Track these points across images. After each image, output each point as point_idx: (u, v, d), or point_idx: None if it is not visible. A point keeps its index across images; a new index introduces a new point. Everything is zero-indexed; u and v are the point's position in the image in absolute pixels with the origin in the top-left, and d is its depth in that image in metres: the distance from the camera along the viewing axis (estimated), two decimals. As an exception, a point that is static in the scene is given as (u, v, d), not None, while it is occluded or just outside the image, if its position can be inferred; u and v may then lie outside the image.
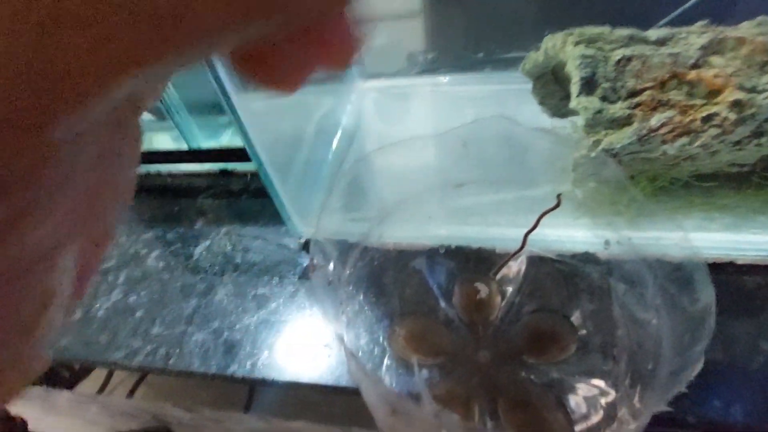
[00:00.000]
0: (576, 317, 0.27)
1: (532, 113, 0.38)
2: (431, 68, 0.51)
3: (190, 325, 0.29)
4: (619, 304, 0.26)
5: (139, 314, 0.31)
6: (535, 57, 0.28)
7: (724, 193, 0.27)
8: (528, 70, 0.29)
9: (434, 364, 0.27)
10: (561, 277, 0.29)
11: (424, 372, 0.27)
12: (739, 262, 0.26)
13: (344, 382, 0.26)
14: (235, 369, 0.27)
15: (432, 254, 0.32)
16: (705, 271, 0.21)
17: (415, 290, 0.30)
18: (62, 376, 0.50)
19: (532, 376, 0.26)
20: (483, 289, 0.31)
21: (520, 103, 0.39)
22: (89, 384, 0.68)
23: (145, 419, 1.10)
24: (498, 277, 0.32)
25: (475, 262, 0.33)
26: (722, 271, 0.26)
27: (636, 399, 0.22)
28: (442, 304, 0.30)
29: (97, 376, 0.69)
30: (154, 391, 0.74)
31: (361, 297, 0.30)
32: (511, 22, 0.50)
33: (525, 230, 0.30)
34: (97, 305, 0.33)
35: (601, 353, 0.25)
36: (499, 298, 0.31)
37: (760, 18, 0.25)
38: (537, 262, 0.31)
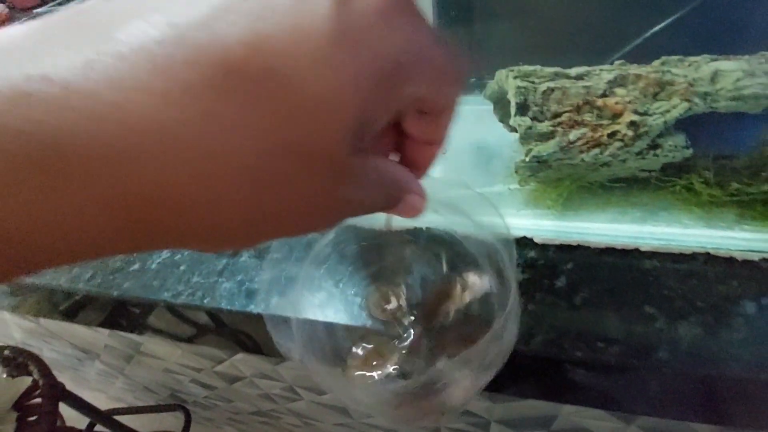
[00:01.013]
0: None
1: (503, 130, 0.46)
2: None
3: (220, 277, 0.38)
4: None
5: (182, 268, 0.40)
6: (492, 86, 0.36)
7: (636, 193, 0.35)
8: (488, 96, 0.37)
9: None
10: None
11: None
12: (643, 249, 0.33)
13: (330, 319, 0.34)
14: (252, 308, 0.35)
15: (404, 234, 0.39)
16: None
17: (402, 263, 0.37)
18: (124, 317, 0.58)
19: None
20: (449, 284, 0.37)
21: (495, 121, 0.47)
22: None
23: (163, 395, 1.20)
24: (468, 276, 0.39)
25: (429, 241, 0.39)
26: (628, 255, 0.34)
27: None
28: (410, 281, 0.37)
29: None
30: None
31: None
32: (498, 53, 0.58)
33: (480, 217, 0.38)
34: (150, 261, 0.42)
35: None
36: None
37: (663, 58, 0.33)
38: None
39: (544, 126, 0.31)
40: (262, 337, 0.44)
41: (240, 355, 0.72)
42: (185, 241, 0.11)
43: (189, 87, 0.09)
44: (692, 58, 0.32)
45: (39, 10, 0.55)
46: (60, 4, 0.74)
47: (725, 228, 0.32)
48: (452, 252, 0.30)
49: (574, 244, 0.35)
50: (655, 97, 0.31)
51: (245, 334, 0.45)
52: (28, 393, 0.80)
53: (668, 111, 0.30)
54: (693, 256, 0.33)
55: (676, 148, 0.31)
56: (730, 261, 0.32)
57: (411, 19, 0.11)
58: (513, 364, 0.34)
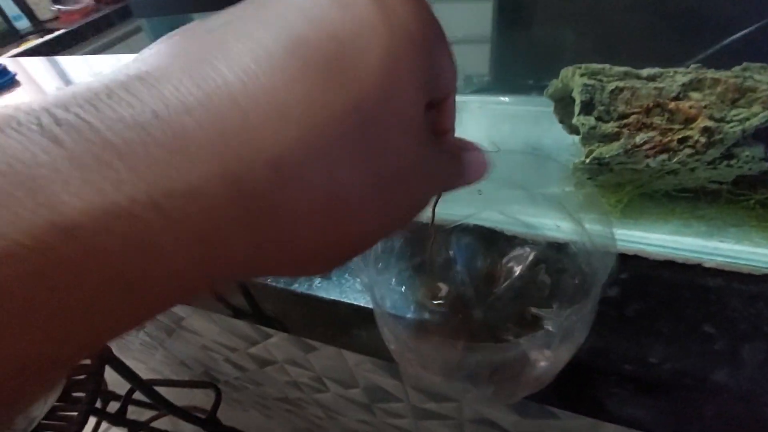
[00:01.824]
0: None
1: (561, 132, 0.45)
2: (483, 89, 0.59)
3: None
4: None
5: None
6: (555, 83, 0.35)
7: (703, 206, 0.33)
8: (550, 95, 0.36)
9: (439, 311, 0.34)
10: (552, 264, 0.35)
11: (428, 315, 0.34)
12: (706, 265, 0.31)
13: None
14: (296, 287, 0.36)
15: (454, 229, 0.39)
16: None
17: (438, 255, 0.38)
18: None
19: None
20: (490, 265, 0.38)
21: (552, 122, 0.46)
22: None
23: (197, 372, 1.25)
24: (507, 258, 0.39)
25: (493, 243, 0.40)
26: (690, 270, 0.32)
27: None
28: (458, 268, 0.37)
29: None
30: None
31: (393, 257, 0.39)
32: (559, 56, 0.57)
33: (534, 219, 0.37)
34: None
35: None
36: (503, 275, 0.38)
37: (744, 64, 0.31)
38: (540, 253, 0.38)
39: (609, 127, 0.30)
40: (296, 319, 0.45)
41: (274, 339, 0.74)
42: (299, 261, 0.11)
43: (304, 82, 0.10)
44: (779, 65, 0.30)
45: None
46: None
47: (805, 250, 0.29)
48: (502, 241, 0.30)
49: (631, 253, 0.33)
50: (733, 103, 0.29)
51: (281, 312, 0.46)
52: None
53: (747, 119, 0.28)
54: (764, 278, 0.30)
55: (753, 159, 0.29)
56: (808, 286, 0.29)
57: (432, 18, 0.12)
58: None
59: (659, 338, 0.29)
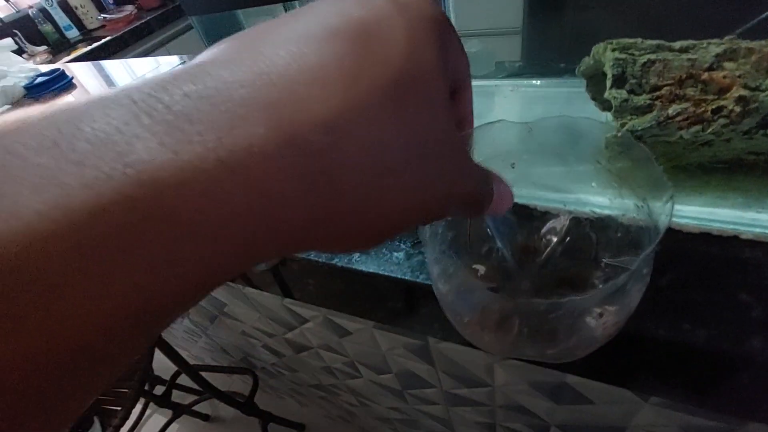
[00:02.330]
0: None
1: (593, 111, 0.45)
2: (516, 73, 0.60)
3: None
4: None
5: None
6: (587, 61, 0.36)
7: (739, 177, 0.32)
8: (582, 72, 0.37)
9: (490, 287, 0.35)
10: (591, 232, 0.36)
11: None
12: (743, 236, 0.31)
13: (409, 277, 0.36)
14: (337, 261, 0.38)
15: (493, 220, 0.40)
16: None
17: (481, 234, 0.39)
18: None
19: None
20: (531, 239, 0.38)
21: (585, 102, 0.46)
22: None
23: (237, 358, 1.31)
24: (545, 229, 0.39)
25: (527, 218, 0.40)
26: (726, 242, 0.32)
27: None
28: (499, 245, 0.38)
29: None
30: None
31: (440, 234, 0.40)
32: (589, 39, 0.57)
33: (568, 195, 0.38)
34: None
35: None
36: (543, 245, 0.39)
37: (782, 33, 0.30)
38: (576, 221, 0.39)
39: (642, 99, 0.31)
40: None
41: (309, 324, 0.77)
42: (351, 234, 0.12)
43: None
44: (821, 32, 0.29)
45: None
46: (178, 6, 0.85)
47: None
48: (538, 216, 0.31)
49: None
50: (770, 72, 0.29)
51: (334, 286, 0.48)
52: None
53: (785, 86, 0.28)
54: (805, 248, 0.30)
55: (792, 128, 0.29)
56: None
57: (442, 13, 0.14)
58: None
59: (693, 306, 0.29)
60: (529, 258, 0.36)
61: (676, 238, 0.33)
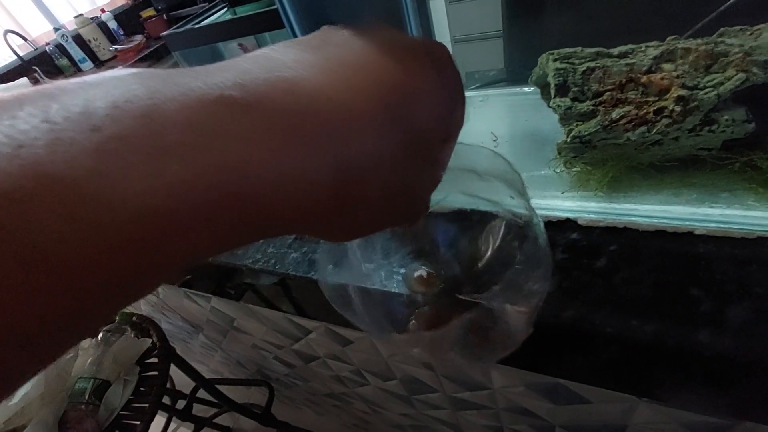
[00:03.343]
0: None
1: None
2: (485, 84, 0.61)
3: (289, 248, 0.44)
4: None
5: (261, 241, 0.47)
6: (537, 71, 0.37)
7: (693, 174, 0.33)
8: (534, 81, 0.38)
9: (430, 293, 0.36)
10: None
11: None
12: (697, 232, 0.32)
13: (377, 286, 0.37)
14: (313, 274, 0.40)
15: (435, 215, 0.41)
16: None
17: (422, 243, 0.40)
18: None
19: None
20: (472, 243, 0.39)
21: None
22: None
23: (252, 371, 1.34)
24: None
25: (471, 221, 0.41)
26: (680, 238, 0.32)
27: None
28: (442, 252, 0.39)
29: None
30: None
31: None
32: (554, 45, 0.58)
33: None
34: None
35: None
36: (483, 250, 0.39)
37: (721, 29, 0.31)
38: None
39: (585, 105, 0.32)
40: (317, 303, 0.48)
41: (313, 335, 0.79)
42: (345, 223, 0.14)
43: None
44: (756, 27, 0.30)
45: (164, 33, 0.68)
46: (187, 22, 0.89)
47: (798, 210, 0.29)
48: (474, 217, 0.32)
49: (621, 226, 0.34)
50: (707, 70, 0.29)
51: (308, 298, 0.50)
52: (148, 353, 0.96)
53: (721, 83, 0.28)
54: (757, 241, 0.30)
55: (734, 122, 0.29)
56: (803, 246, 0.29)
57: (454, 65, 0.17)
58: (542, 341, 0.34)
59: (644, 302, 0.30)
60: (471, 261, 0.37)
61: (632, 236, 0.33)
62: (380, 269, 0.39)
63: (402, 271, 0.39)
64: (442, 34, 1.45)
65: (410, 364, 0.73)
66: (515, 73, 0.69)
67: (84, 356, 0.88)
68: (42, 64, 2.02)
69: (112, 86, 0.10)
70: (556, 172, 0.36)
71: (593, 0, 0.58)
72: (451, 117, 0.16)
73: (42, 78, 1.98)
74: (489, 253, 0.31)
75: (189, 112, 0.10)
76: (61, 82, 0.10)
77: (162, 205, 0.09)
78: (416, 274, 0.38)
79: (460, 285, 0.34)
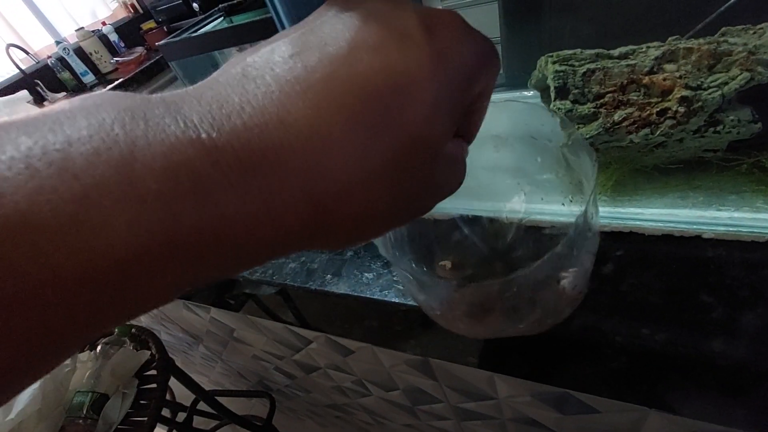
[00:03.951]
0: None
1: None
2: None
3: (287, 259, 0.44)
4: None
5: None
6: (536, 74, 0.36)
7: (700, 176, 0.32)
8: (533, 84, 0.38)
9: (465, 276, 0.36)
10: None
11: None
12: (705, 236, 0.31)
13: (378, 296, 0.37)
14: (311, 285, 0.40)
15: (461, 218, 0.41)
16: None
17: (453, 236, 0.39)
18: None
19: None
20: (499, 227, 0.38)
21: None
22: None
23: (253, 382, 1.32)
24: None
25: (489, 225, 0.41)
26: (688, 242, 0.31)
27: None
28: (474, 236, 0.38)
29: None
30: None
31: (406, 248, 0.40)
32: (555, 48, 0.57)
33: (533, 205, 0.38)
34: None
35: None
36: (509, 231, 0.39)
37: (724, 28, 0.30)
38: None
39: (586, 108, 0.31)
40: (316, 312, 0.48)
41: (314, 345, 0.78)
42: (337, 236, 0.14)
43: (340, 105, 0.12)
44: (759, 26, 0.29)
45: (159, 43, 0.68)
46: (184, 31, 0.89)
47: (810, 212, 0.28)
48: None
49: (626, 230, 0.33)
50: (710, 70, 0.29)
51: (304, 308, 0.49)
52: (147, 365, 0.95)
53: (726, 83, 0.27)
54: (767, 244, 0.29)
55: (740, 123, 0.28)
56: (816, 249, 0.28)
57: (473, 36, 0.15)
58: (548, 350, 0.33)
59: (653, 310, 0.29)
60: (498, 240, 0.36)
61: (639, 241, 0.32)
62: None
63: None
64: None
65: (413, 375, 0.72)
66: (514, 78, 0.68)
67: (82, 369, 0.87)
68: (44, 78, 2.03)
69: (94, 127, 0.10)
70: (559, 177, 0.36)
71: (591, 4, 0.57)
72: (464, 94, 0.14)
73: (44, 91, 1.99)
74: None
75: (164, 160, 0.10)
76: (41, 115, 0.10)
77: (141, 249, 0.10)
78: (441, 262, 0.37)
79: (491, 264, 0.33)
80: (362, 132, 0.12)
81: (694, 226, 0.31)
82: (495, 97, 0.56)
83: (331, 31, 0.13)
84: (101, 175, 0.10)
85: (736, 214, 0.30)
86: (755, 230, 0.29)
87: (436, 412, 0.84)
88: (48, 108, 0.11)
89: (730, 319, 0.27)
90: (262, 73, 0.13)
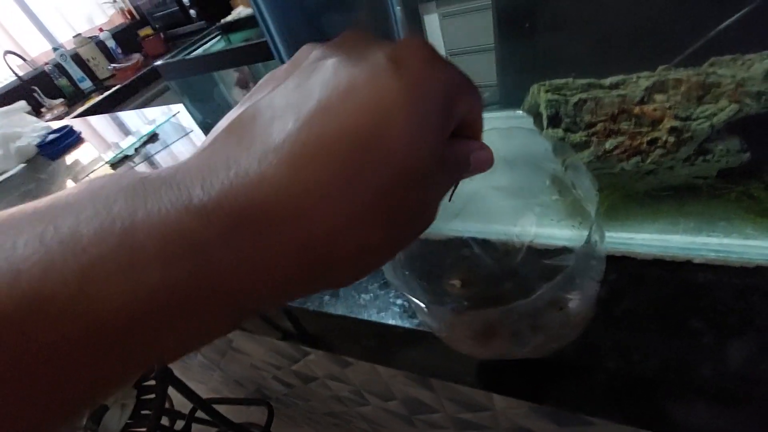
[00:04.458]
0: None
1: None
2: (484, 105, 0.61)
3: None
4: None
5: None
6: (528, 100, 0.37)
7: (690, 202, 0.33)
8: (526, 110, 0.38)
9: (473, 294, 0.36)
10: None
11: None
12: (696, 261, 0.31)
13: (375, 318, 0.37)
14: (309, 306, 0.40)
15: (471, 239, 0.41)
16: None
17: (463, 255, 0.39)
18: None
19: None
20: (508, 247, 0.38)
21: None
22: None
23: (251, 390, 1.32)
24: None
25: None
26: (679, 268, 0.32)
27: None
28: (483, 256, 0.38)
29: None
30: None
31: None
32: (547, 70, 0.58)
33: (527, 228, 0.39)
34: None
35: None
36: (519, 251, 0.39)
37: (712, 59, 0.31)
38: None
39: (578, 136, 0.32)
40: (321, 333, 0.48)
41: (312, 356, 0.78)
42: (334, 276, 0.14)
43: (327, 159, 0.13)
44: (747, 56, 0.30)
45: (157, 63, 0.68)
46: (184, 49, 0.90)
47: (797, 239, 0.29)
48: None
49: (619, 255, 0.34)
50: (699, 100, 0.29)
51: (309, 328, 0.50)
52: (145, 375, 0.95)
53: (715, 114, 0.28)
54: (756, 270, 0.30)
55: (729, 152, 0.29)
56: (803, 276, 0.29)
57: (442, 63, 0.15)
58: (542, 372, 0.34)
59: (645, 336, 0.29)
60: (507, 260, 0.37)
61: (630, 265, 0.33)
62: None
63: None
64: (437, 48, 1.46)
65: (411, 386, 0.72)
66: (509, 95, 0.69)
67: (80, 381, 0.87)
68: (41, 84, 2.03)
69: (99, 207, 0.12)
70: (552, 200, 0.36)
71: (582, 15, 0.58)
72: (444, 113, 0.15)
73: (41, 98, 1.99)
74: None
75: (162, 227, 0.11)
76: (53, 200, 0.12)
77: (144, 308, 0.11)
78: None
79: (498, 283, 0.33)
80: (344, 175, 0.13)
81: (685, 251, 0.32)
82: (498, 121, 0.57)
83: (306, 87, 0.14)
84: (106, 245, 0.11)
85: (725, 240, 0.31)
86: (744, 256, 0.30)
87: (434, 421, 0.84)
88: (58, 194, 0.12)
89: (719, 345, 0.28)
90: (246, 132, 0.14)
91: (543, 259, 0.37)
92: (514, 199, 0.44)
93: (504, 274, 0.38)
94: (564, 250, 0.37)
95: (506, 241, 0.39)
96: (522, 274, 0.37)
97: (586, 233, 0.27)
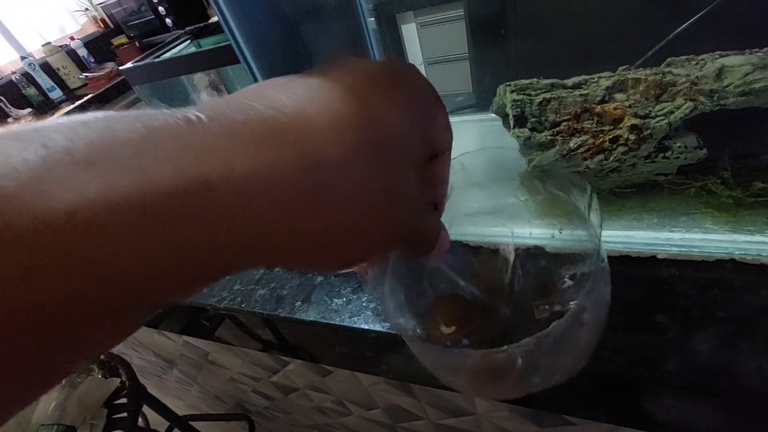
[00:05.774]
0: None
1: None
2: (455, 109, 0.62)
3: (257, 285, 0.43)
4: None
5: (228, 277, 0.45)
6: (496, 101, 0.37)
7: (654, 199, 0.33)
8: (494, 111, 0.39)
9: (470, 332, 0.35)
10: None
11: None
12: (660, 256, 0.32)
13: (347, 323, 0.36)
14: (280, 312, 0.39)
15: (451, 269, 0.40)
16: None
17: (441, 279, 0.38)
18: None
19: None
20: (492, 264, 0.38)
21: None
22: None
23: (231, 405, 1.29)
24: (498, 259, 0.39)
25: (473, 253, 0.41)
26: (644, 263, 0.32)
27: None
28: (462, 284, 0.37)
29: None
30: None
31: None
32: (520, 71, 0.59)
33: (504, 229, 0.38)
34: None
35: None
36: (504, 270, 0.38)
37: (669, 59, 0.32)
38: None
39: (543, 136, 0.32)
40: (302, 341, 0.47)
41: (291, 366, 0.77)
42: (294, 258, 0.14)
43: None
44: (701, 57, 0.31)
45: (123, 68, 0.66)
46: (152, 53, 0.88)
47: (753, 232, 0.30)
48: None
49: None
50: (657, 99, 0.30)
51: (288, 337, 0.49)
52: (117, 393, 0.92)
53: (672, 112, 0.29)
54: (717, 263, 0.31)
55: (686, 149, 0.30)
56: (760, 268, 0.29)
57: (421, 77, 0.17)
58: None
59: (612, 332, 0.29)
60: (496, 289, 0.36)
61: (598, 262, 0.33)
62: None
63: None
64: (415, 57, 1.48)
65: (392, 393, 0.71)
66: (483, 99, 0.70)
67: (46, 401, 0.83)
68: (7, 94, 1.96)
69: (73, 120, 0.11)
70: (522, 200, 0.37)
71: (553, 23, 0.59)
72: (428, 132, 0.17)
73: (7, 107, 1.92)
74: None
75: (144, 130, 0.10)
76: (54, 123, 0.11)
77: (118, 218, 0.09)
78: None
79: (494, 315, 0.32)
80: (353, 131, 0.14)
81: (650, 247, 0.32)
82: (464, 118, 0.56)
83: (313, 82, 0.15)
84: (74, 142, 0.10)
85: (687, 235, 0.31)
86: (705, 250, 0.31)
87: (417, 428, 0.83)
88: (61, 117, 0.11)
89: (684, 339, 0.28)
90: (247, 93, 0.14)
91: (535, 269, 0.36)
92: (497, 218, 0.43)
93: (498, 297, 0.36)
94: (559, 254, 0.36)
95: (492, 261, 0.38)
96: (516, 293, 0.36)
97: (570, 236, 0.27)
